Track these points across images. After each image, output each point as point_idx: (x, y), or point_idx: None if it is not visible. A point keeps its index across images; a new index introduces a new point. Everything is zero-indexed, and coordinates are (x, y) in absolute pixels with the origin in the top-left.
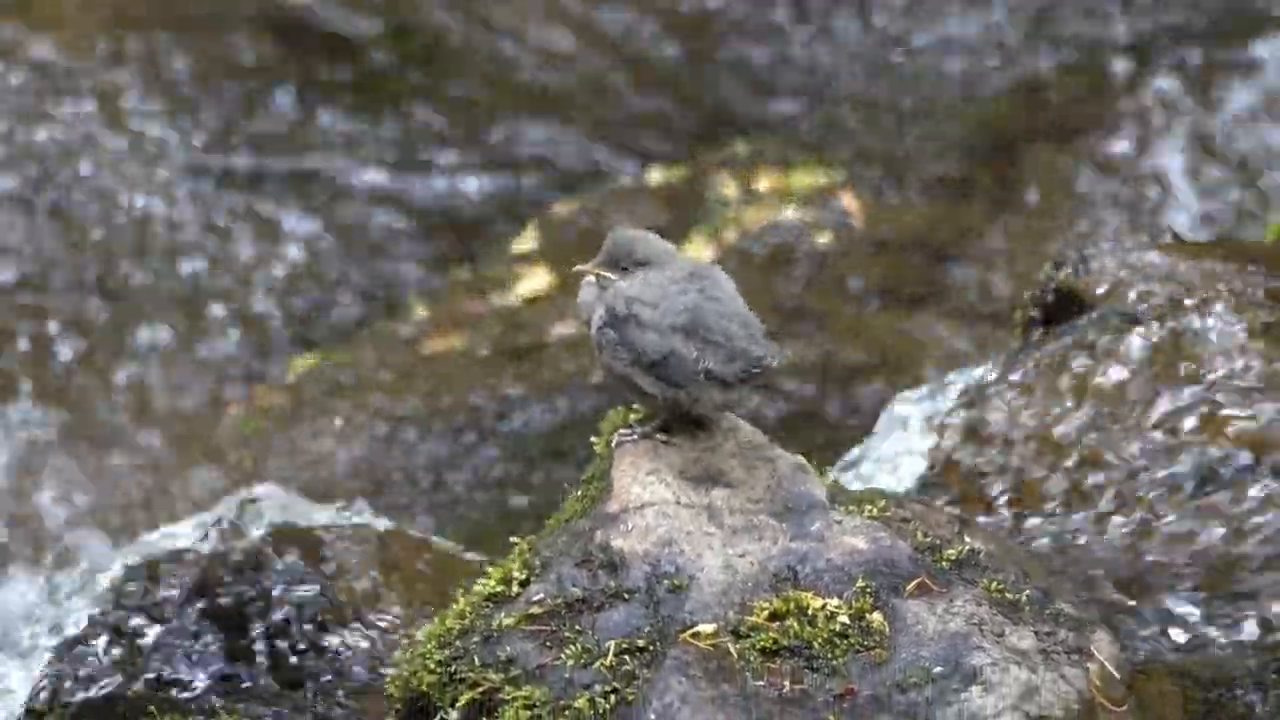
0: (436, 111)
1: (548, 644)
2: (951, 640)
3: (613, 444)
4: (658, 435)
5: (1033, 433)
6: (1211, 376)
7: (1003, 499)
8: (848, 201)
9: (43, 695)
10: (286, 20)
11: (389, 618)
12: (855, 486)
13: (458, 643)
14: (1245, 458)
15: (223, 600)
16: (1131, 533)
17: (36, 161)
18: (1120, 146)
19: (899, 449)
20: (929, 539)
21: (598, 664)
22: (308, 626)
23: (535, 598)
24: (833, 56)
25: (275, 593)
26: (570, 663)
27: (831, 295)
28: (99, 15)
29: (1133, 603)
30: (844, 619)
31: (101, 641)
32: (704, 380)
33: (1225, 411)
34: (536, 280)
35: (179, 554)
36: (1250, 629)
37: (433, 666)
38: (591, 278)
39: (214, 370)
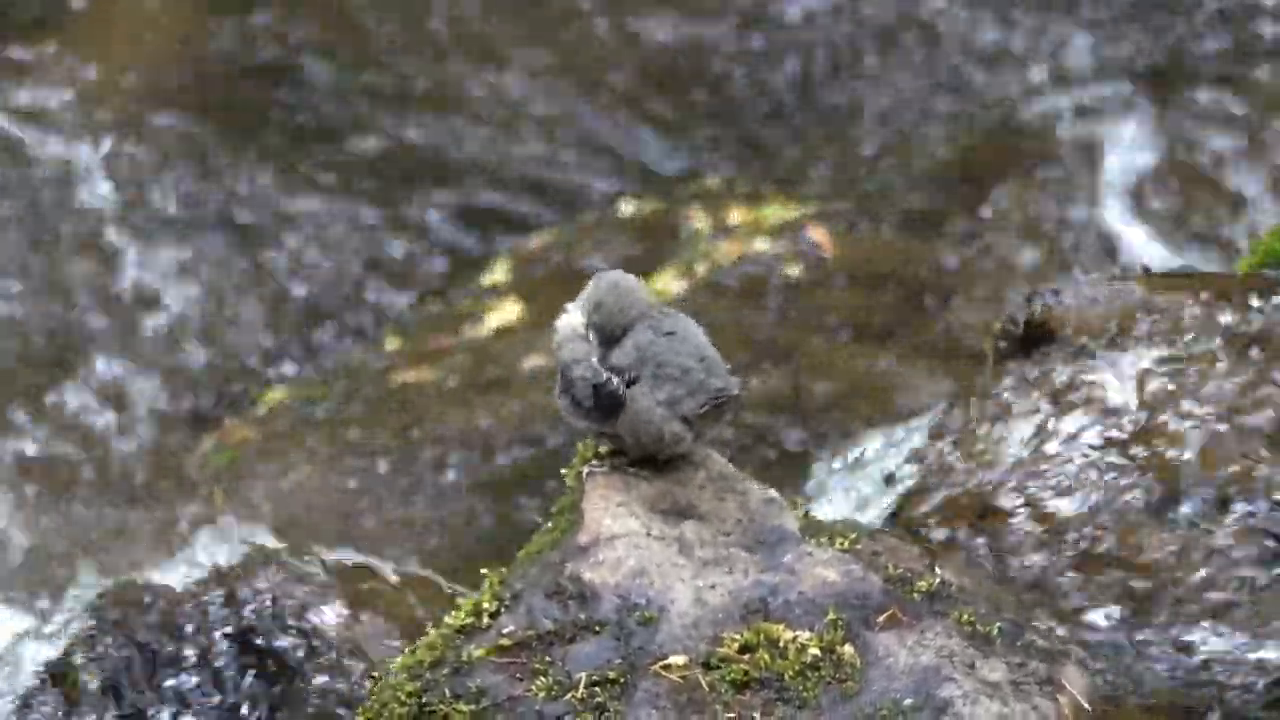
0: (406, 144)
1: (518, 676)
2: (923, 672)
3: (583, 475)
4: (628, 467)
5: (1002, 463)
6: (1181, 405)
7: (972, 530)
8: (818, 235)
9: None
10: (258, 60)
11: (360, 650)
12: (826, 519)
13: (428, 674)
14: (1212, 488)
15: (193, 634)
16: (1095, 561)
17: (10, 192)
18: (1091, 179)
19: (869, 482)
20: (900, 571)
21: (568, 696)
22: (279, 658)
23: (506, 629)
24: (804, 91)
25: (246, 625)
26: (541, 695)
27: (802, 328)
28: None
29: (1100, 635)
30: (815, 651)
31: (73, 677)
32: (670, 438)
33: (1193, 440)
34: (507, 313)
35: (149, 589)
36: (1218, 658)
37: (403, 698)
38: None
39: (184, 404)
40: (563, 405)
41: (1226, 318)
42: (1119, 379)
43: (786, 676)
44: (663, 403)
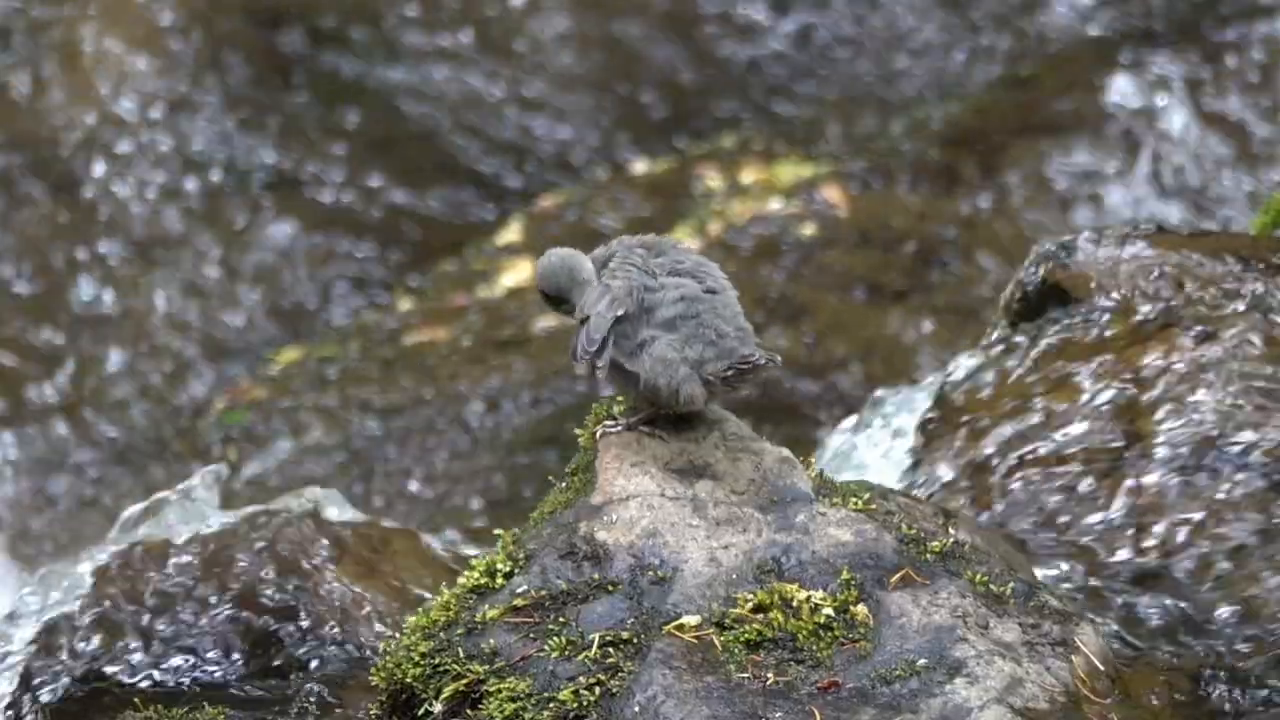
0: (420, 104)
1: (531, 636)
2: (936, 633)
3: (597, 435)
4: (642, 427)
5: (1016, 424)
6: (1195, 364)
7: (983, 491)
8: (832, 194)
9: (24, 689)
10: (267, 15)
11: (372, 609)
12: (840, 479)
13: (442, 635)
14: (1232, 446)
15: (204, 592)
16: (1110, 527)
17: (15, 151)
18: (1106, 138)
19: (883, 441)
20: (914, 531)
21: (581, 656)
22: (290, 618)
23: (519, 590)
24: (818, 50)
25: (256, 584)
26: (554, 655)
27: (816, 287)
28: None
29: (1116, 597)
30: (828, 611)
31: (81, 634)
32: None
33: (1207, 403)
34: (520, 273)
35: (160, 546)
36: (1234, 621)
37: (417, 658)
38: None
39: (198, 363)
40: (584, 350)
41: (1241, 277)
42: (1133, 338)
43: (800, 636)
44: (692, 361)
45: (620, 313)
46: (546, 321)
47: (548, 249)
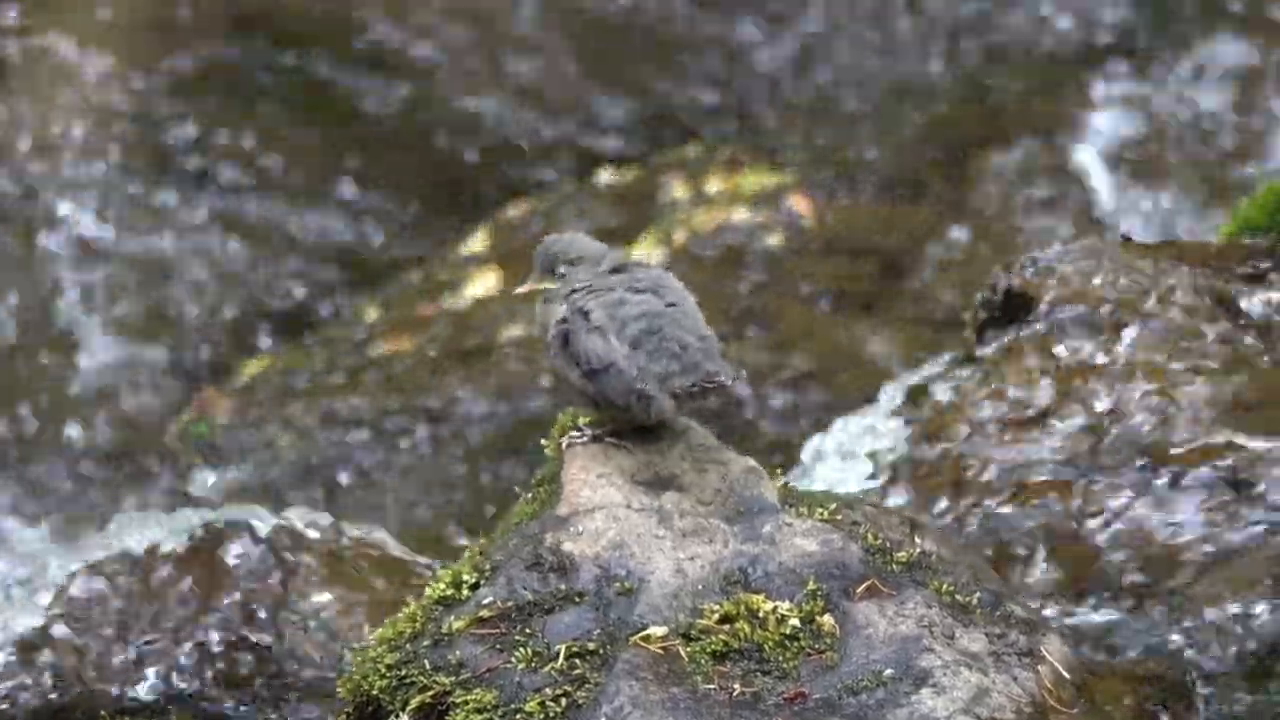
0: (386, 113)
1: (498, 647)
2: (902, 643)
3: (563, 446)
4: (608, 438)
5: (981, 434)
6: (1159, 376)
7: (950, 501)
8: (799, 203)
9: None
10: (233, 22)
11: (339, 621)
12: (805, 489)
13: (408, 646)
14: (1190, 460)
15: (173, 606)
16: (1075, 535)
17: None
18: (1070, 148)
19: (848, 451)
20: (880, 541)
21: (548, 667)
22: (257, 628)
23: (485, 601)
24: (784, 58)
25: (224, 594)
26: (521, 666)
27: (782, 297)
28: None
29: (1082, 604)
30: (795, 622)
31: (50, 647)
32: (639, 399)
33: (1172, 413)
34: (486, 282)
35: (127, 557)
36: (1200, 628)
37: (383, 670)
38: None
39: (164, 373)
40: (551, 351)
41: (1205, 285)
42: (1098, 347)
43: (766, 647)
44: (658, 375)
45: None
46: (513, 331)
47: (514, 258)
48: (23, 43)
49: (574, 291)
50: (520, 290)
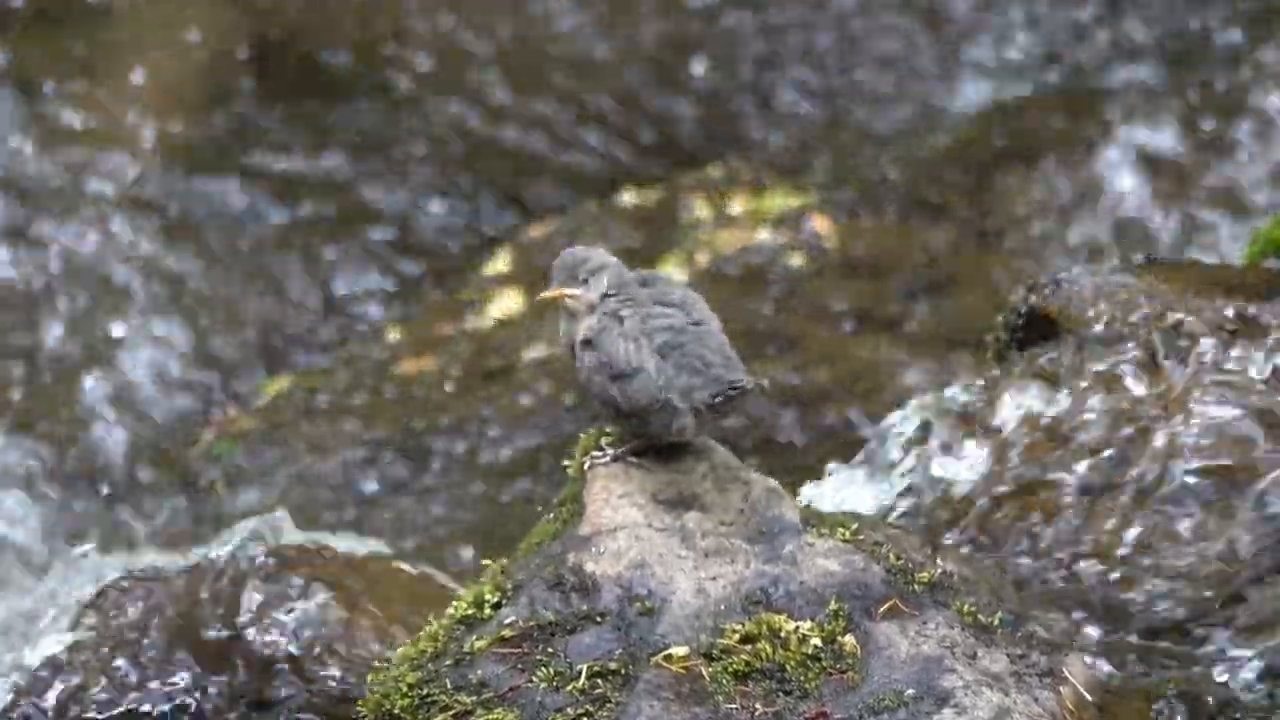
0: (410, 133)
1: (519, 667)
2: (924, 663)
3: (585, 466)
4: (630, 458)
5: (1003, 453)
6: (1182, 398)
7: (970, 521)
8: (820, 224)
9: None
10: (259, 42)
11: (361, 640)
12: (827, 510)
13: (430, 665)
14: (1216, 482)
15: (192, 624)
16: (1099, 556)
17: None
18: (1094, 168)
19: (871, 473)
20: (901, 562)
21: (570, 687)
22: (277, 649)
23: (507, 620)
24: (805, 79)
25: (245, 615)
26: (542, 685)
27: (804, 318)
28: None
29: (1102, 625)
30: (816, 642)
31: (72, 669)
32: (663, 409)
33: (1196, 436)
34: (509, 302)
35: (149, 578)
36: (1222, 649)
37: (405, 689)
38: (568, 303)
39: (185, 393)
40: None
41: (1227, 308)
42: (1120, 369)
43: (788, 667)
44: (680, 389)
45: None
46: (535, 352)
47: (539, 279)
48: (58, 74)
49: (607, 296)
50: (546, 295)
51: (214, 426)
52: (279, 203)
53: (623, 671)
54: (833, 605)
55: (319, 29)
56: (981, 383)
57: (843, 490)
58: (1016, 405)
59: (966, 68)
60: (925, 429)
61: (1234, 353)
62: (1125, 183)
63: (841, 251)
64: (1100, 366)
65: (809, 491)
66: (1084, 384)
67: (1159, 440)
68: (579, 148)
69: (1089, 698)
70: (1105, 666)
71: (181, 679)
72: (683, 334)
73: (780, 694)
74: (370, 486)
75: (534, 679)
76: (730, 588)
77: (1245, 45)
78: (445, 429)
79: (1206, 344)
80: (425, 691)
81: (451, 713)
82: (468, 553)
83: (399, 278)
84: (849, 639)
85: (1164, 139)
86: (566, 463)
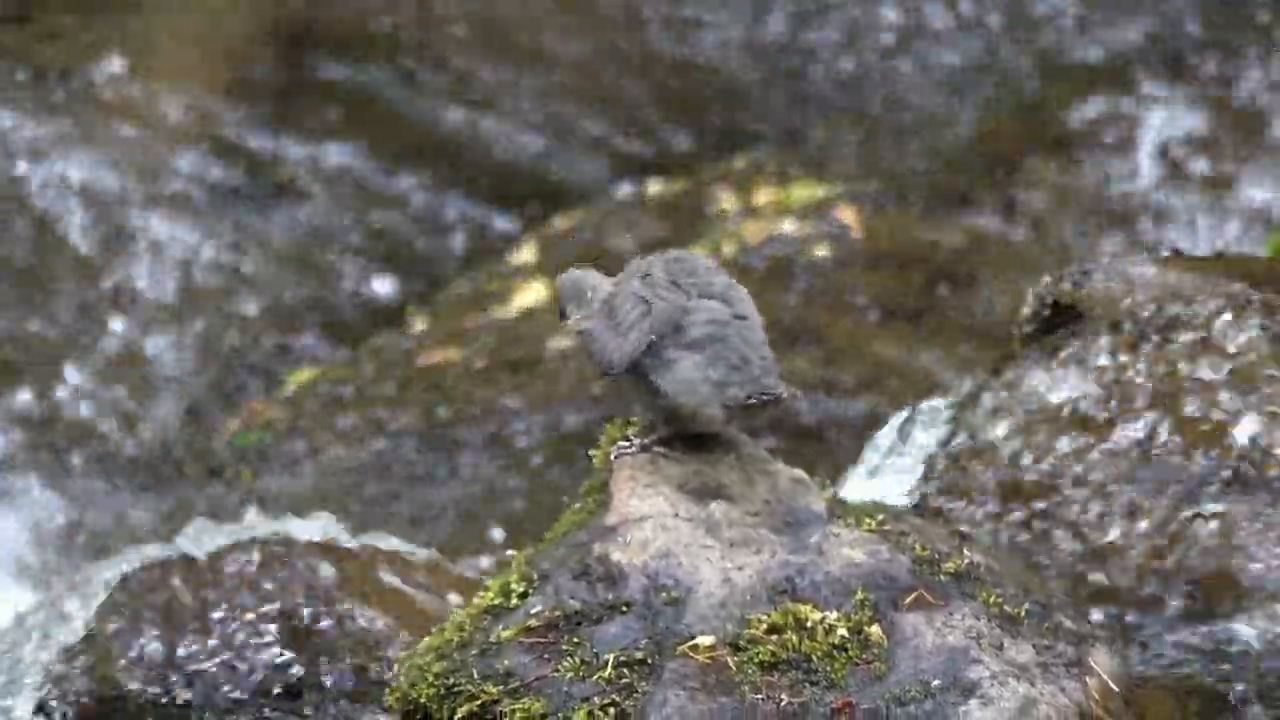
0: (435, 124)
1: (546, 656)
2: (950, 653)
3: (611, 456)
4: (656, 448)
5: (1028, 443)
6: (1207, 389)
7: (997, 509)
8: (846, 215)
9: (41, 706)
10: (282, 30)
11: (386, 630)
12: (853, 500)
13: (456, 655)
14: (1239, 471)
15: (215, 614)
16: (1124, 547)
17: (26, 164)
18: (1119, 160)
19: (897, 463)
20: (928, 552)
21: (596, 676)
22: (304, 638)
23: (533, 610)
24: (831, 71)
25: (269, 606)
26: (569, 675)
27: (830, 309)
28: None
29: (1129, 616)
30: (842, 632)
31: (94, 657)
32: (697, 393)
33: (1219, 425)
34: (534, 293)
35: (175, 566)
36: (1248, 641)
37: (431, 679)
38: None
39: (212, 385)
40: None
41: (1254, 301)
42: (1146, 361)
43: (814, 657)
44: (715, 383)
45: (653, 338)
46: (560, 343)
47: (564, 269)
48: (90, 62)
49: (647, 275)
50: (571, 326)
51: (240, 417)
52: (304, 191)
53: (649, 661)
54: (859, 595)
55: (347, 16)
56: (1008, 373)
57: (869, 481)
58: (1043, 396)
59: (992, 59)
60: (951, 420)
61: (1257, 344)
62: (1151, 174)
63: (867, 242)
64: (1124, 357)
65: (834, 482)
66: (1110, 374)
67: (1182, 430)
68: (604, 138)
69: (1115, 689)
70: (1132, 657)
71: (213, 665)
72: (725, 326)
73: (806, 684)
74: (395, 476)
75: (560, 668)
76: (756, 577)
77: (1272, 33)
78: (471, 419)
79: (1232, 335)
80: (451, 681)
81: (478, 702)
82: (494, 542)
83: (424, 268)
84: (875, 629)
85: (1191, 130)
86: (592, 452)
